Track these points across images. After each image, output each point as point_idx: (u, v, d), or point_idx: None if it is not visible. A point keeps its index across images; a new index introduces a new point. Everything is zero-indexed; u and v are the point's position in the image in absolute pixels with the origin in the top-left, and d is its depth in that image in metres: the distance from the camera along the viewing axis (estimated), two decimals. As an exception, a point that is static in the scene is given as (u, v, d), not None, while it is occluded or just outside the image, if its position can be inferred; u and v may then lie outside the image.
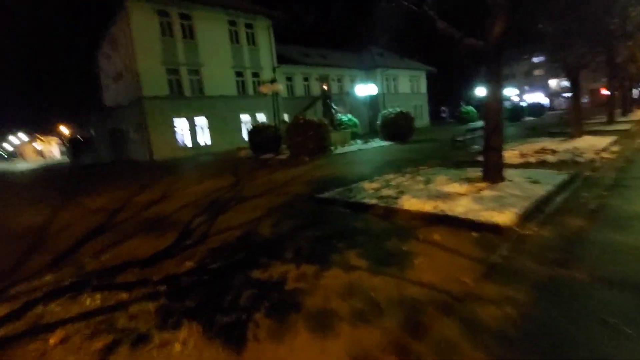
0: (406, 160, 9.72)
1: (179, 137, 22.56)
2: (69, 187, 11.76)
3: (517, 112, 28.23)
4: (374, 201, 4.85)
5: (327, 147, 13.53)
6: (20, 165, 41.06)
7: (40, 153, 72.67)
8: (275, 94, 14.71)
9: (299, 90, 31.45)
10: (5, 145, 73.15)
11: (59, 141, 48.24)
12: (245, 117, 25.84)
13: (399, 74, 39.58)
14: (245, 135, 25.60)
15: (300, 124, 12.78)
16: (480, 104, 39.11)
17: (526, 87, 60.50)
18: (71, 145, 28.20)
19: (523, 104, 32.64)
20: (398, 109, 16.95)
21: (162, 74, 21.44)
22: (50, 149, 64.92)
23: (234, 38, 24.75)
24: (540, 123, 22.83)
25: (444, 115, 55.98)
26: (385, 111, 17.26)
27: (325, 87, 31.80)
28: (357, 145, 15.55)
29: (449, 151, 10.92)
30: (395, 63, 39.51)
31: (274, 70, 27.22)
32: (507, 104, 31.51)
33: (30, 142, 72.36)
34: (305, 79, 32.04)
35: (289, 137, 13.16)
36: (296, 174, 9.03)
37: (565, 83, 59.44)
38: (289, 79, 30.19)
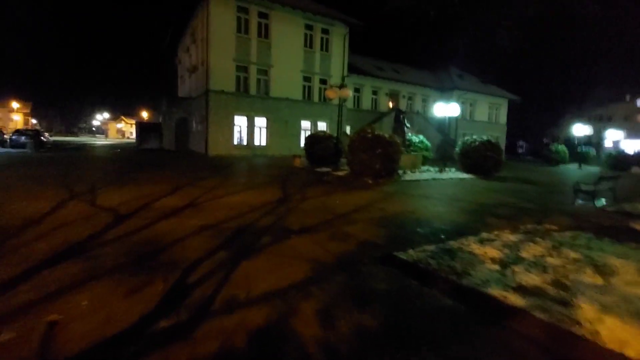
0: (510, 207, 7.11)
1: (236, 134, 21.87)
2: (104, 172, 10.97)
3: (622, 160, 23.12)
4: (519, 301, 2.57)
5: (395, 170, 11.28)
6: (98, 141, 44.69)
7: (121, 132, 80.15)
8: (342, 101, 12.87)
9: (366, 103, 29.56)
10: (94, 122, 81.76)
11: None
12: (306, 124, 24.55)
13: (478, 99, 35.80)
14: (302, 142, 24.35)
15: (367, 138, 10.74)
16: (572, 143, 33.69)
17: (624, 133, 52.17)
18: (138, 129, 29.29)
19: (627, 151, 27.01)
20: (485, 137, 14.10)
21: (232, 70, 20.98)
22: (131, 130, 71.09)
23: (308, 42, 23.74)
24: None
25: (520, 150, 50.10)
26: (468, 137, 14.51)
27: (391, 104, 29.55)
28: (430, 173, 13.02)
29: (568, 203, 8.05)
30: (475, 87, 35.91)
31: (343, 79, 25.69)
32: (610, 149, 26.30)
33: (114, 121, 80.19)
34: (374, 93, 30.07)
35: (351, 151, 11.18)
36: (359, 203, 6.94)
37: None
38: (357, 90, 28.49)
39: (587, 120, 56.50)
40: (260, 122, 22.51)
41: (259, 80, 22.12)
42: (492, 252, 3.77)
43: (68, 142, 35.57)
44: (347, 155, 11.45)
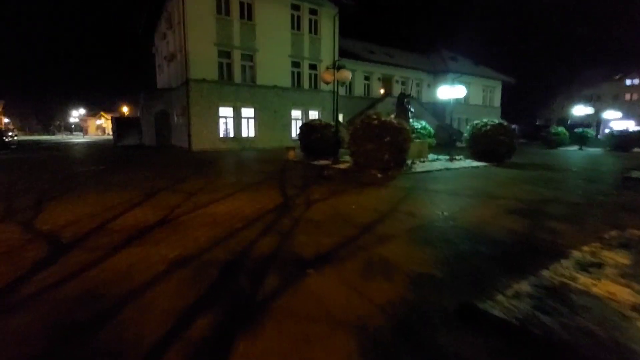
0: (557, 203, 5.87)
1: (222, 127, 20.18)
2: (64, 177, 9.34)
3: (626, 140, 22.36)
4: None
5: (405, 160, 9.95)
6: (75, 139, 42.09)
7: (101, 128, 76.57)
8: (341, 85, 11.40)
9: (359, 89, 28.05)
10: (71, 119, 77.86)
11: (114, 120, 49.36)
12: (296, 113, 22.98)
13: (472, 82, 34.63)
14: (294, 133, 22.81)
15: (373, 126, 9.34)
16: (566, 125, 33.02)
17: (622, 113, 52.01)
18: (114, 125, 27.19)
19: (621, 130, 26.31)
20: (496, 120, 12.88)
21: (213, 56, 19.15)
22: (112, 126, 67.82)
23: (295, 24, 21.98)
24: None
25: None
26: (477, 121, 13.27)
27: (383, 90, 28.07)
28: (441, 162, 11.75)
29: (614, 194, 6.90)
30: (468, 69, 34.73)
31: (334, 64, 24.07)
32: (613, 130, 25.55)
33: (93, 117, 76.54)
34: (367, 78, 28.54)
35: (354, 141, 9.79)
36: (379, 206, 5.59)
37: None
38: (348, 76, 26.88)
39: (577, 100, 56.33)
40: (247, 112, 20.83)
41: (243, 67, 20.35)
42: (616, 289, 2.48)
43: (39, 142, 33.12)
44: (350, 145, 10.05)
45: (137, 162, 13.05)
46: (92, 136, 62.14)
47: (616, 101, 50.03)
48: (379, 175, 9.02)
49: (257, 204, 5.55)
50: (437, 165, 11.11)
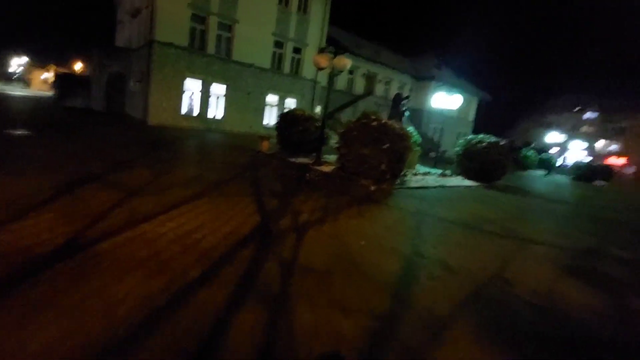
0: (606, 258, 4.80)
1: (186, 101, 17.66)
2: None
3: (591, 172, 23.14)
4: None
5: (401, 172, 8.60)
6: (13, 92, 36.28)
7: (48, 83, 67.76)
8: (337, 73, 9.76)
9: (341, 83, 26.49)
10: (11, 69, 68.07)
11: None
12: (272, 98, 20.94)
13: (454, 94, 34.44)
14: (266, 120, 20.81)
15: (371, 127, 7.86)
16: (540, 150, 33.90)
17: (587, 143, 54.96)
18: (59, 82, 23.31)
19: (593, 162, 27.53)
20: (492, 137, 12.00)
21: (186, 18, 16.50)
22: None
23: (284, -1, 19.83)
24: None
25: (480, 149, 50.83)
26: (471, 137, 12.32)
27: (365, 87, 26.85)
28: (432, 177, 10.61)
29: None
30: (451, 80, 34.55)
31: (320, 51, 22.27)
32: (578, 162, 26.43)
33: (41, 69, 67.52)
34: (351, 72, 27.03)
35: (346, 143, 8.25)
36: (394, 241, 4.12)
37: (615, 147, 54.66)
38: (332, 67, 25.22)
39: (539, 126, 59.33)
40: (218, 89, 18.45)
41: (219, 37, 17.90)
42: None
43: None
44: (340, 147, 8.49)
45: (74, 130, 10.48)
46: (35, 90, 54.62)
47: (574, 132, 53.18)
48: (372, 188, 7.59)
49: (224, 225, 3.82)
50: (430, 180, 9.93)
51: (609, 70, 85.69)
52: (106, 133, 11.00)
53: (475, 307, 2.77)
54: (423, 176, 10.35)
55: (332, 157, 11.25)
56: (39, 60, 66.99)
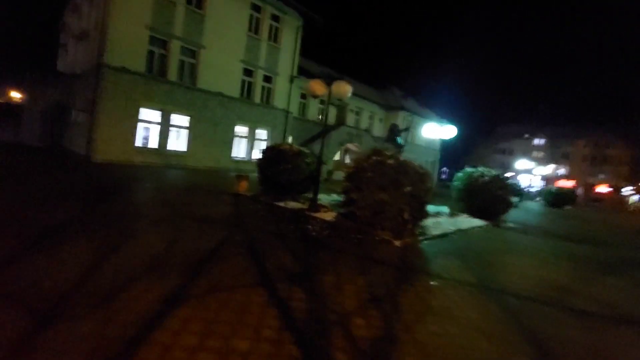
0: None
1: (140, 134, 15.27)
2: None
3: (562, 198, 23.73)
4: None
5: (423, 219, 7.08)
6: None
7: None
8: (337, 101, 8.30)
9: (312, 112, 25.48)
10: None
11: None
12: (242, 129, 19.12)
13: (419, 123, 35.03)
14: (234, 152, 18.82)
15: (389, 167, 6.36)
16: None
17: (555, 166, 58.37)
18: (-20, 111, 19.70)
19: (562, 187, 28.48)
20: (493, 172, 11.11)
21: (143, 40, 14.52)
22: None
23: (254, 27, 18.63)
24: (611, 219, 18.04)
25: (444, 176, 52.18)
26: (471, 170, 11.36)
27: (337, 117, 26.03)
28: (443, 217, 9.28)
29: None
30: (417, 110, 35.18)
31: (291, 80, 21.18)
32: (548, 188, 27.27)
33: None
34: (322, 102, 26.18)
35: (358, 186, 6.64)
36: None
37: (563, 171, 59.03)
38: (303, 96, 24.24)
39: (494, 151, 62.84)
40: (180, 120, 16.31)
41: (182, 63, 16.03)
42: None
43: None
44: (347, 190, 6.84)
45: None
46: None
47: (525, 157, 56.87)
48: (397, 244, 5.96)
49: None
50: (445, 223, 8.54)
51: (552, 100, 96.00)
52: (36, 177, 8.42)
53: None
54: (435, 218, 8.95)
55: (324, 197, 9.58)
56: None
